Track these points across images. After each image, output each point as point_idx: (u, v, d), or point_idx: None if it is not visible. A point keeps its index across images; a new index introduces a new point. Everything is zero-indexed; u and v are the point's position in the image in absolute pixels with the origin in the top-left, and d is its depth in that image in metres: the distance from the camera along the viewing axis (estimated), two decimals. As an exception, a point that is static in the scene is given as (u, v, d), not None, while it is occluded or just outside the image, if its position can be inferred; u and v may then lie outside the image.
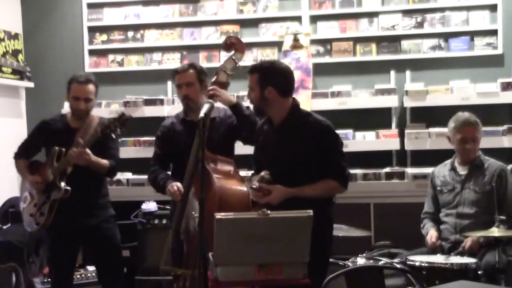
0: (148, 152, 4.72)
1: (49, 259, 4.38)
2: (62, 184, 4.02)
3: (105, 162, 4.12)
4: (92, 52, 5.99)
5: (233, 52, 3.95)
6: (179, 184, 3.84)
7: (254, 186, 3.45)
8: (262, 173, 3.45)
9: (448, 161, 4.47)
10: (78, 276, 4.92)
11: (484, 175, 4.28)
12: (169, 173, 4.19)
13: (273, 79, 3.51)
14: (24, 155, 4.37)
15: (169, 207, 4.40)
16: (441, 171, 4.45)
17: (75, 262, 4.43)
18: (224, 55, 5.59)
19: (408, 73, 5.48)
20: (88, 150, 3.98)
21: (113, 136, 3.98)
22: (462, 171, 4.35)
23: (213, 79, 3.91)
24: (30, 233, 4.70)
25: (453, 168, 4.39)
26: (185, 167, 3.84)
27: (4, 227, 5.24)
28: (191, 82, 4.05)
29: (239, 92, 5.42)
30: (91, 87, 4.16)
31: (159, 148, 4.20)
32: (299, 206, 3.12)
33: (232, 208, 3.28)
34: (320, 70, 5.58)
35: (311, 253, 2.99)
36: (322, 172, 3.46)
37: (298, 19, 5.64)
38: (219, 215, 2.91)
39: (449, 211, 4.33)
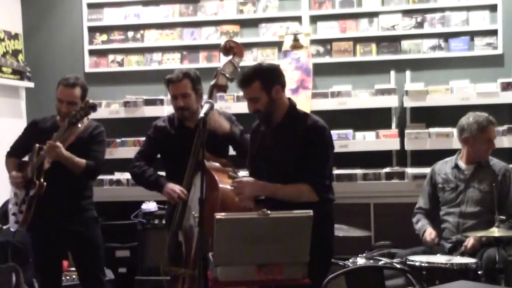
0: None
1: (33, 263, 4.29)
2: (39, 179, 3.98)
3: (80, 160, 4.05)
4: (92, 52, 5.99)
5: (231, 56, 3.95)
6: (180, 187, 3.82)
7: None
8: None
9: (449, 159, 4.46)
10: (74, 277, 4.91)
11: (489, 174, 4.28)
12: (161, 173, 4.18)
13: (274, 77, 3.50)
14: (15, 154, 4.34)
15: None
16: (442, 169, 4.44)
17: (61, 265, 4.37)
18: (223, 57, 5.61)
19: (408, 73, 5.48)
20: (58, 144, 3.92)
21: (79, 125, 3.91)
22: (467, 169, 4.35)
23: (213, 82, 3.91)
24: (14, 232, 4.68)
25: (456, 166, 4.38)
26: (181, 169, 3.84)
27: (4, 227, 5.23)
28: (187, 93, 3.99)
29: (239, 92, 5.41)
30: (76, 91, 4.10)
31: (149, 148, 4.17)
32: (297, 205, 3.13)
33: (235, 209, 3.28)
34: (320, 70, 5.58)
35: (312, 253, 3.00)
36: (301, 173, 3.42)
37: (298, 19, 5.64)
38: (219, 215, 2.91)
39: (451, 209, 4.33)
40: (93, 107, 3.91)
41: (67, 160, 4.00)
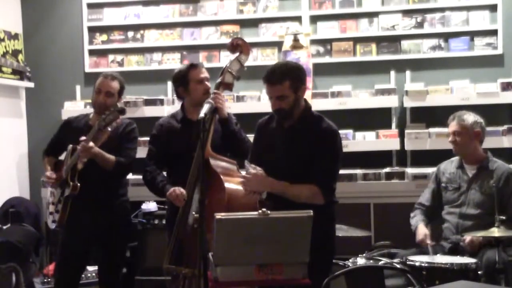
0: (148, 152, 4.70)
1: (58, 255, 4.34)
2: (73, 180, 4.06)
3: (110, 156, 4.13)
4: (92, 52, 5.99)
5: (238, 53, 3.94)
6: (181, 189, 3.83)
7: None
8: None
9: (455, 159, 4.46)
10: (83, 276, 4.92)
11: (492, 176, 4.26)
12: (164, 173, 4.19)
13: (302, 77, 3.51)
14: (51, 153, 4.45)
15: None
16: (448, 168, 4.45)
17: (86, 263, 4.44)
18: (224, 55, 5.61)
19: (408, 73, 5.48)
20: (91, 143, 4.00)
21: (109, 129, 3.98)
22: (470, 170, 4.35)
23: (219, 80, 3.91)
24: (31, 233, 4.71)
25: (460, 166, 4.39)
26: (185, 166, 3.85)
27: (4, 227, 5.24)
28: (208, 78, 4.15)
29: (239, 92, 5.42)
30: (115, 83, 4.24)
31: (156, 146, 4.19)
32: (301, 205, 3.13)
33: (240, 209, 3.28)
34: (320, 70, 5.58)
35: (314, 253, 2.99)
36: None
37: (298, 19, 5.64)
38: (219, 215, 2.92)
39: (452, 209, 4.33)
40: (122, 111, 3.99)
41: (97, 157, 4.08)
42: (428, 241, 4.17)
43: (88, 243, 4.25)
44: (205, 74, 4.13)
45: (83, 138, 4.03)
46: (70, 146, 4.16)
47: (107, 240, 4.23)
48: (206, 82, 4.11)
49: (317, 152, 3.41)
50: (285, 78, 3.43)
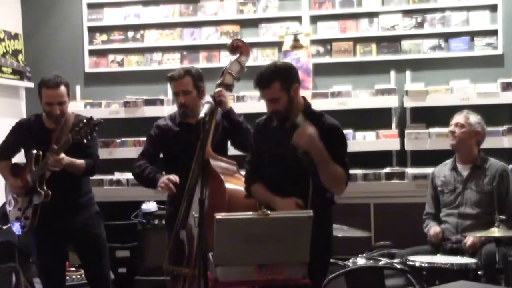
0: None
1: (37, 263, 4.30)
2: (43, 188, 3.99)
3: (80, 162, 4.07)
4: (92, 52, 5.99)
5: (238, 55, 3.94)
6: (170, 176, 3.84)
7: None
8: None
9: (448, 161, 4.48)
10: (79, 276, 4.92)
11: (486, 175, 4.29)
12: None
13: (292, 76, 3.48)
14: (5, 157, 4.32)
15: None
16: (441, 171, 4.46)
17: (65, 264, 4.38)
18: (224, 56, 5.61)
19: (408, 73, 5.48)
20: (62, 155, 3.93)
21: (85, 141, 3.88)
22: (464, 171, 4.36)
23: (219, 81, 3.90)
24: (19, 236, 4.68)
25: (454, 168, 4.40)
26: (181, 169, 3.84)
27: (4, 227, 5.23)
28: (188, 90, 4.00)
29: (239, 92, 5.42)
30: (62, 89, 4.08)
31: (152, 147, 4.18)
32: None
33: (241, 209, 3.28)
34: (320, 70, 5.58)
35: (312, 253, 2.99)
36: None
37: (298, 19, 5.64)
38: (219, 215, 2.92)
39: (450, 211, 4.34)
40: (98, 125, 3.89)
41: (69, 166, 4.02)
42: (440, 235, 4.27)
43: (61, 244, 4.17)
44: (180, 87, 3.99)
45: (54, 147, 3.93)
46: (34, 152, 4.05)
47: (82, 239, 4.17)
48: (181, 96, 3.99)
49: (331, 149, 3.38)
50: (273, 81, 3.40)
